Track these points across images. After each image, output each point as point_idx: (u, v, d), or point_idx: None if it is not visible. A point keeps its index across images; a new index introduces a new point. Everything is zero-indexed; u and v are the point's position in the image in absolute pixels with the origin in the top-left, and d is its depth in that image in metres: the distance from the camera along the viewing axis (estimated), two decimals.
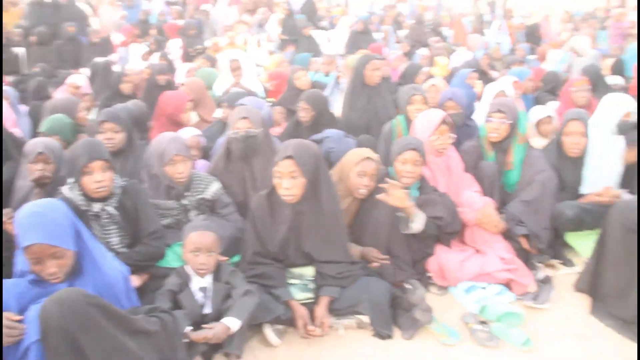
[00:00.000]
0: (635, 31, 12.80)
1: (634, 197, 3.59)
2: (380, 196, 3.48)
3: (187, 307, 2.91)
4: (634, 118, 4.37)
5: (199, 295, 3.00)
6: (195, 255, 2.99)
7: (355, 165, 3.67)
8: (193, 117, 5.88)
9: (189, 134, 4.61)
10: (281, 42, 12.24)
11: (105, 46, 10.81)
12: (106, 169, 3.13)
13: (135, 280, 3.18)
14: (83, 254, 2.63)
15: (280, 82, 7.72)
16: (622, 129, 4.35)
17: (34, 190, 3.59)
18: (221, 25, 13.35)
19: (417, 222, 3.53)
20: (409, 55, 10.86)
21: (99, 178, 3.10)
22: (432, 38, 12.32)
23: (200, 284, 3.02)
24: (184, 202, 3.59)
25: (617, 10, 14.84)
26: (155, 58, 9.31)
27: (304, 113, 5.16)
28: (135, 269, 3.20)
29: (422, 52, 10.50)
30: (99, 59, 8.26)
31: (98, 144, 3.21)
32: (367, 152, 3.79)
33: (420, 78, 7.26)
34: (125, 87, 6.74)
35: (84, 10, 12.38)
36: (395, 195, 3.44)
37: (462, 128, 5.01)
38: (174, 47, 10.35)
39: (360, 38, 11.66)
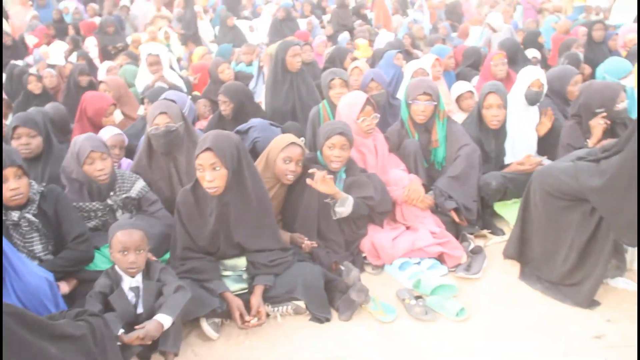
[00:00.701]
0: (548, 6, 13.23)
1: (553, 163, 3.72)
2: (308, 181, 3.48)
3: (119, 308, 2.83)
4: (542, 88, 4.54)
5: (130, 296, 2.92)
6: (123, 254, 2.89)
7: (281, 151, 3.65)
8: (117, 115, 5.70)
9: (110, 132, 4.47)
10: (182, 38, 11.80)
11: (19, 48, 10.36)
12: (20, 175, 2.99)
13: (64, 287, 3.07)
14: (3, 264, 2.51)
15: (204, 74, 7.61)
16: (529, 99, 4.52)
17: None
18: (142, 21, 12.99)
19: (345, 207, 3.56)
20: (332, 39, 10.85)
21: (14, 185, 2.95)
22: (356, 22, 12.36)
23: (131, 284, 2.94)
24: (109, 202, 3.49)
25: None
26: (73, 58, 8.97)
27: (224, 106, 5.11)
28: (63, 275, 3.10)
29: (345, 36, 10.52)
30: (15, 62, 7.90)
31: (9, 150, 3.05)
32: (291, 137, 3.77)
33: (348, 62, 7.30)
34: (34, 87, 6.45)
35: None
36: (322, 183, 3.45)
37: (386, 107, 5.06)
38: (91, 45, 10.00)
39: (283, 25, 11.59)
